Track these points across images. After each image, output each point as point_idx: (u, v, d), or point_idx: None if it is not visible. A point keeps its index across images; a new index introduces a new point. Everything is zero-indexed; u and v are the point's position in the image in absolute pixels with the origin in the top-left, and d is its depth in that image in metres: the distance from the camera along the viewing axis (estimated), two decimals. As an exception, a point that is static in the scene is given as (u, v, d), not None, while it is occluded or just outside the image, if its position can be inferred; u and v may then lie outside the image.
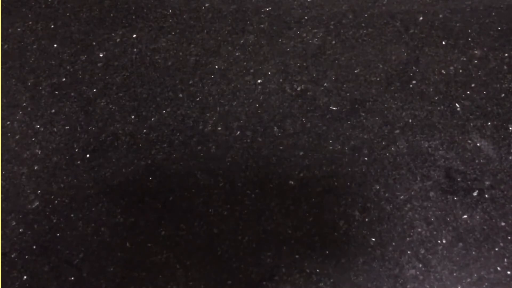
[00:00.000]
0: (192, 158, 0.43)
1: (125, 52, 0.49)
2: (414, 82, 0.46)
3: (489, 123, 0.43)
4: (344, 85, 0.46)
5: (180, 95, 0.47)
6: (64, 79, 0.48)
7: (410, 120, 0.44)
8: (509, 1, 0.49)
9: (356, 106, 0.45)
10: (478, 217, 0.40)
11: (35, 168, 0.43)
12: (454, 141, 0.43)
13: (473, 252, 0.39)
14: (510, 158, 0.42)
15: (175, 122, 0.45)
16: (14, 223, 0.41)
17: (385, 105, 0.45)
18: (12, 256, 0.40)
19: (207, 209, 0.42)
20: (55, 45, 0.50)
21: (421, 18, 0.49)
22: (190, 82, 0.47)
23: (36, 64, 0.49)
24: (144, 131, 0.45)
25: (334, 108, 0.45)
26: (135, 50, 0.49)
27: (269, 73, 0.47)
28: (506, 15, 0.49)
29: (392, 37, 0.48)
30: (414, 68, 0.47)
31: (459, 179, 0.41)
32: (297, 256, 0.40)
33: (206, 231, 0.41)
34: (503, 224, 0.39)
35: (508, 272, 0.38)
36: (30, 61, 0.49)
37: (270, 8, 0.51)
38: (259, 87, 0.47)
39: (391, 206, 0.41)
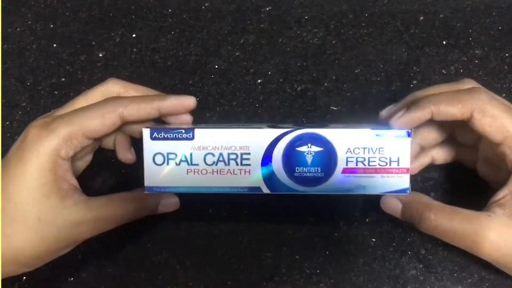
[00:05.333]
0: (192, 158, 0.43)
1: (124, 52, 0.49)
2: (415, 82, 0.46)
3: (490, 123, 0.43)
4: (345, 85, 0.46)
5: (180, 95, 0.47)
6: (63, 79, 0.48)
7: (410, 120, 0.44)
8: (510, 0, 0.49)
9: (356, 106, 0.45)
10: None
11: (35, 168, 0.43)
12: (455, 141, 0.43)
13: (474, 253, 0.39)
14: (511, 158, 0.41)
15: (175, 122, 0.45)
16: (13, 224, 0.41)
17: (386, 105, 0.45)
18: (12, 256, 0.39)
19: (207, 209, 0.42)
20: (55, 45, 0.50)
21: (421, 17, 0.49)
22: (190, 82, 0.47)
23: (35, 64, 0.49)
24: (144, 131, 0.44)
25: (335, 108, 0.45)
26: (134, 50, 0.49)
27: (269, 73, 0.47)
28: (507, 14, 0.49)
29: (392, 36, 0.48)
30: (414, 68, 0.47)
31: (459, 179, 0.41)
32: (297, 257, 0.40)
33: (206, 231, 0.41)
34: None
35: (509, 273, 0.38)
36: (29, 61, 0.49)
37: (270, 7, 0.51)
38: (259, 87, 0.47)
39: (391, 207, 0.41)
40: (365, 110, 0.45)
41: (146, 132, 0.33)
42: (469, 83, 0.35)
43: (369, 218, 0.41)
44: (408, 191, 0.32)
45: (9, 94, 0.48)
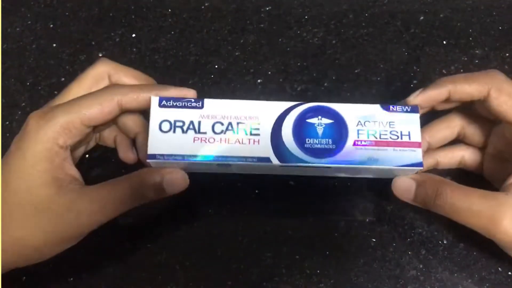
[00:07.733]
0: (192, 158, 0.43)
1: (124, 51, 0.49)
2: (415, 81, 0.46)
3: (490, 123, 0.43)
4: (345, 85, 0.46)
5: (180, 95, 0.47)
6: (63, 79, 0.48)
7: (410, 120, 0.44)
8: (510, 0, 0.49)
9: (356, 106, 0.45)
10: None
11: (35, 168, 0.43)
12: (455, 141, 0.43)
13: (474, 253, 0.39)
14: (511, 158, 0.41)
15: (175, 122, 0.45)
16: (13, 224, 0.41)
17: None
18: (12, 256, 0.39)
19: (207, 209, 0.42)
20: (54, 45, 0.50)
21: (421, 17, 0.49)
22: (190, 82, 0.47)
23: (35, 64, 0.49)
24: (144, 131, 0.44)
25: (335, 108, 0.45)
26: (134, 50, 0.49)
27: (269, 72, 0.47)
28: (507, 14, 0.49)
29: (392, 36, 0.48)
30: (415, 67, 0.47)
31: (460, 180, 0.41)
32: (297, 257, 0.39)
33: (206, 231, 0.41)
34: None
35: (510, 273, 0.38)
36: (29, 61, 0.49)
37: (270, 7, 0.51)
38: (259, 87, 0.47)
39: (391, 207, 0.41)
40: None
41: (154, 100, 0.32)
42: None
43: (369, 218, 0.41)
44: (422, 165, 0.32)
45: (9, 94, 0.47)
